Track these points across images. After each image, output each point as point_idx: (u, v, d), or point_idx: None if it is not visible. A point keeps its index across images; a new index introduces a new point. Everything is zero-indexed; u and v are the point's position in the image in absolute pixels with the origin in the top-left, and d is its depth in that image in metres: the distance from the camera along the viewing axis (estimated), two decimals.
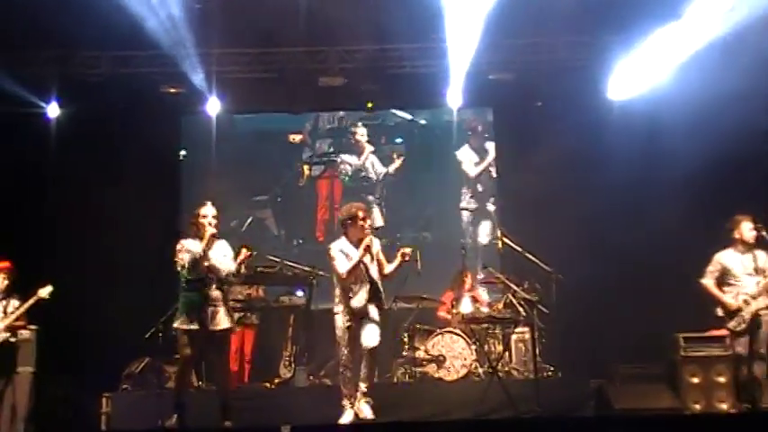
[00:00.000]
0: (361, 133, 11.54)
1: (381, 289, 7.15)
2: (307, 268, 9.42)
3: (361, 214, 7.10)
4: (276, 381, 9.28)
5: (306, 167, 11.62)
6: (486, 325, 9.29)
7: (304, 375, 9.25)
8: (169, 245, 7.43)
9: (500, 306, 9.42)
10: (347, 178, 11.59)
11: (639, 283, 9.93)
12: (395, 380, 9.26)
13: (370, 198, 11.40)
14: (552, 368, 9.29)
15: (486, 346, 9.17)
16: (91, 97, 10.31)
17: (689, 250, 8.45)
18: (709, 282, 7.77)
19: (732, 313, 7.60)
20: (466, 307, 9.36)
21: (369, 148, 11.56)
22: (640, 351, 9.25)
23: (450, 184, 11.47)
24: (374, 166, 11.51)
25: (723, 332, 7.96)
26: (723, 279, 7.73)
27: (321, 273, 9.10)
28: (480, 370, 9.00)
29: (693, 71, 9.65)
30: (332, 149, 11.70)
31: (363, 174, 11.52)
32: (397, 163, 11.45)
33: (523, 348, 9.42)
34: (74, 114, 10.40)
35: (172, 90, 10.61)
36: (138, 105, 10.58)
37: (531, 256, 9.14)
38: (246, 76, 10.75)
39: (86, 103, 10.30)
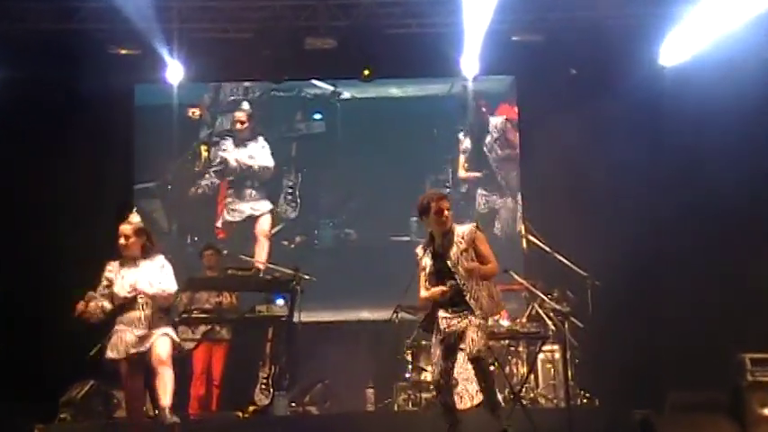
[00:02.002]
0: (241, 117, 11.61)
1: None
2: (289, 270, 9.44)
3: (432, 206, 7.01)
4: (251, 409, 9.24)
5: (203, 149, 11.61)
6: (506, 341, 9.22)
7: (284, 402, 9.25)
8: None
9: (524, 319, 9.40)
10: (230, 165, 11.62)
11: (697, 290, 9.90)
12: (396, 407, 9.33)
13: (250, 190, 11.54)
14: (588, 395, 9.30)
15: (507, 368, 9.17)
16: (23, 59, 10.19)
17: (760, 251, 8.55)
18: None
19: None
20: None
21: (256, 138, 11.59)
22: (696, 374, 9.21)
23: (385, 171, 11.39)
24: (254, 157, 11.56)
25: None
26: None
27: (306, 276, 9.18)
28: (500, 396, 8.64)
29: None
30: (225, 128, 11.71)
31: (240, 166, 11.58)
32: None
33: (553, 370, 9.43)
34: (2, 80, 10.25)
35: (124, 51, 10.52)
36: (82, 70, 10.47)
37: (562, 258, 9.15)
38: (216, 36, 10.70)
39: (18, 67, 10.17)
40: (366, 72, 11.04)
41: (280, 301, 9.53)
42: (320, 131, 11.74)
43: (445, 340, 6.94)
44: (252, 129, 11.63)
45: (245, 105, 11.64)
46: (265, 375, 9.31)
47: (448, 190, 11.42)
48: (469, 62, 10.76)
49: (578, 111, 10.30)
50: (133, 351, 7.13)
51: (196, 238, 11.33)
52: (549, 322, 8.95)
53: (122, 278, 7.24)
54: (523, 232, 9.56)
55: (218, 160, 11.58)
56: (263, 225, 11.43)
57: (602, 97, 10.32)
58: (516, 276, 8.96)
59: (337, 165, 11.57)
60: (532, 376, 9.24)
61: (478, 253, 6.93)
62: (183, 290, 8.73)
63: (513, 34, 10.63)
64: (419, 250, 7.10)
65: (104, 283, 7.28)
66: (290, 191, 11.57)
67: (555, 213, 10.23)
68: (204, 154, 11.59)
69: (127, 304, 7.18)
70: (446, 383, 6.99)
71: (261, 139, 11.62)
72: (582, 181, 10.33)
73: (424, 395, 9.12)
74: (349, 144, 11.60)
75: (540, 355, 9.30)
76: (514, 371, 9.32)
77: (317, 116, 11.76)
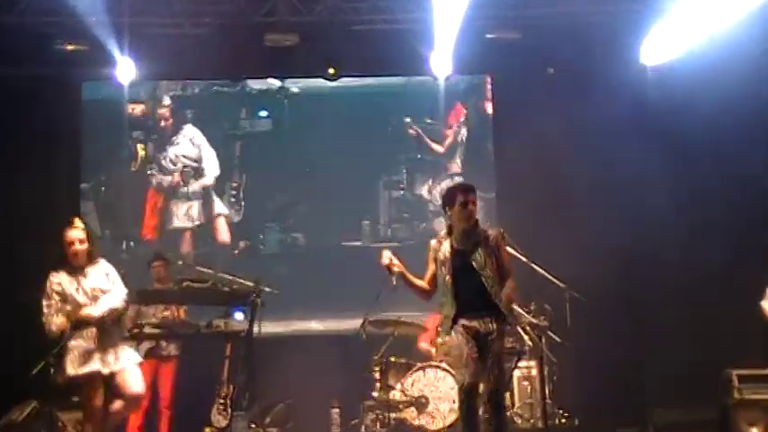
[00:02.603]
0: (164, 113, 11.45)
1: None
2: (249, 282, 9.28)
3: (459, 197, 6.99)
4: (207, 431, 9.20)
5: (140, 147, 11.47)
6: None
7: (244, 423, 9.12)
8: None
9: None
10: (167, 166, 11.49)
11: (682, 304, 9.99)
12: (363, 429, 9.28)
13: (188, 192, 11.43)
14: (566, 414, 9.29)
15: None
16: None
17: (748, 262, 8.62)
18: (766, 305, 7.96)
19: None
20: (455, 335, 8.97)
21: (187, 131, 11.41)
22: (682, 391, 9.30)
23: (336, 172, 11.34)
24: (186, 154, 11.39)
25: None
26: None
27: (267, 289, 9.05)
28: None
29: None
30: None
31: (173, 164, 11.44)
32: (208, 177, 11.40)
33: (529, 388, 9.43)
34: None
35: (70, 47, 10.38)
36: (25, 66, 10.37)
37: (539, 268, 9.13)
38: (170, 32, 10.55)
39: None
40: (331, 71, 10.99)
41: (239, 315, 9.34)
42: (266, 129, 11.64)
43: (475, 339, 6.80)
44: (174, 123, 11.49)
45: (166, 100, 11.49)
46: (223, 395, 9.24)
47: (402, 192, 11.49)
48: (441, 60, 10.70)
49: (556, 112, 10.32)
50: (105, 371, 7.15)
51: (131, 244, 11.24)
52: (526, 337, 8.92)
53: (77, 289, 7.19)
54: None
55: (157, 160, 11.47)
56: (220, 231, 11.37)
57: (582, 98, 10.36)
58: None
59: (284, 165, 11.46)
60: (508, 394, 9.18)
61: (499, 261, 6.93)
62: (134, 303, 8.61)
63: (487, 31, 10.58)
64: (434, 242, 7.10)
65: (56, 297, 7.18)
66: (234, 193, 11.45)
67: (532, 220, 10.17)
68: (141, 153, 11.45)
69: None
70: (475, 390, 6.79)
71: (188, 127, 11.47)
72: (561, 186, 10.35)
73: (393, 415, 9.08)
74: (297, 143, 11.48)
75: (517, 372, 9.31)
76: None
77: (263, 113, 11.67)
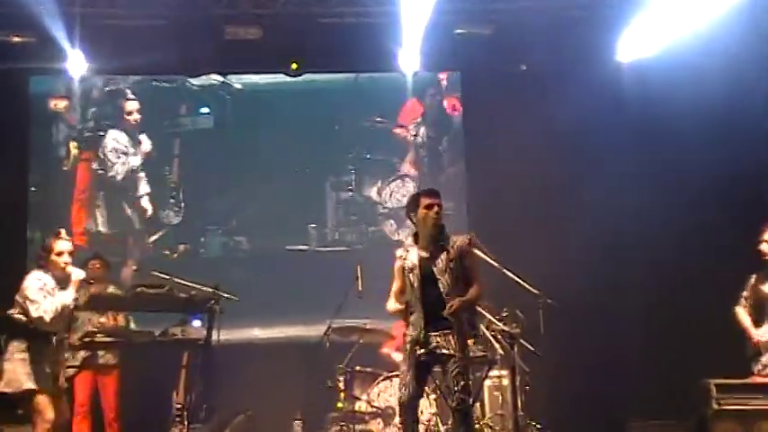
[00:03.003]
0: (132, 108, 11.33)
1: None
2: (207, 288, 9.05)
3: (422, 200, 7.06)
4: None
5: (73, 145, 11.31)
6: None
7: None
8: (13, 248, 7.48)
9: (469, 341, 8.95)
10: (111, 164, 11.34)
11: (659, 310, 10.05)
12: None
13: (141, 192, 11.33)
14: (539, 426, 9.18)
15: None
16: None
17: (727, 267, 8.64)
18: (740, 311, 8.06)
19: (755, 354, 7.95)
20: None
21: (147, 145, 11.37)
22: (659, 402, 9.36)
23: (281, 172, 11.38)
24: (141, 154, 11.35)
25: None
26: (761, 308, 8.00)
27: (226, 295, 8.90)
28: (442, 428, 8.88)
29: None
30: (100, 122, 11.44)
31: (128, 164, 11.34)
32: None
33: (500, 398, 9.39)
34: None
35: (16, 39, 10.32)
36: None
37: (511, 273, 8.91)
38: (124, 24, 10.47)
39: None
40: (293, 66, 10.97)
41: (196, 323, 9.15)
42: (207, 127, 11.55)
43: (420, 363, 6.89)
44: (140, 121, 11.39)
45: (131, 95, 11.38)
46: (179, 406, 9.01)
47: (351, 194, 11.45)
48: (409, 56, 10.72)
49: (530, 110, 10.40)
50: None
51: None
52: (497, 345, 8.75)
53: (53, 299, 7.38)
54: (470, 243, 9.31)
55: (101, 157, 11.32)
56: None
57: (556, 96, 10.36)
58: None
59: (226, 164, 11.40)
60: (478, 405, 9.10)
61: (465, 268, 6.96)
62: (84, 308, 8.51)
63: (457, 26, 10.61)
64: (401, 251, 7.13)
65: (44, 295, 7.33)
66: (173, 194, 11.35)
67: (504, 224, 10.23)
68: (74, 152, 11.27)
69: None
70: (413, 411, 6.93)
71: (144, 136, 11.41)
72: (534, 188, 10.38)
73: (359, 427, 9.04)
74: (240, 141, 11.43)
75: (487, 382, 9.22)
76: None
77: (204, 110, 11.58)
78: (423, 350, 6.90)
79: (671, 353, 9.68)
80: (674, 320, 9.90)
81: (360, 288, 8.86)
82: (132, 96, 11.34)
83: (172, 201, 11.31)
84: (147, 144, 11.32)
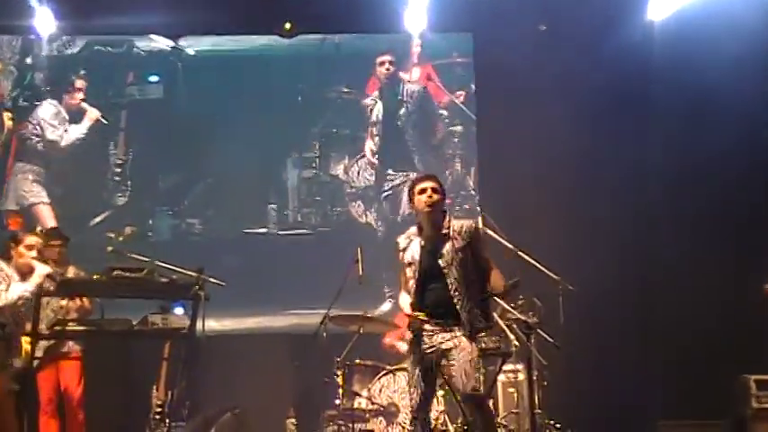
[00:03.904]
0: (82, 86, 11.15)
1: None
2: (191, 273, 8.93)
3: (416, 186, 7.07)
4: None
5: (7, 116, 11.16)
6: None
7: None
8: None
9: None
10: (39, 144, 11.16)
11: (693, 299, 9.93)
12: None
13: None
14: (558, 425, 9.17)
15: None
16: None
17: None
18: None
19: None
20: None
21: (93, 113, 11.19)
22: (691, 400, 9.30)
23: (238, 147, 11.28)
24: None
25: None
26: None
27: (212, 279, 8.85)
28: (451, 427, 8.80)
29: None
30: (37, 89, 11.25)
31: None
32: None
33: (516, 395, 9.34)
34: None
35: None
36: None
37: (527, 257, 8.99)
38: None
39: None
40: (287, 26, 10.94)
41: (179, 310, 9.15)
42: (157, 97, 11.41)
43: (425, 359, 6.90)
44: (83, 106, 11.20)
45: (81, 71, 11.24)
46: (159, 402, 9.14)
47: (314, 171, 11.38)
48: (416, 15, 10.73)
49: (549, 77, 10.36)
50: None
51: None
52: (512, 336, 8.75)
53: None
54: (480, 225, 9.01)
55: (34, 130, 11.14)
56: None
57: (578, 60, 10.40)
58: None
59: (178, 139, 11.30)
60: (491, 402, 8.84)
61: (477, 256, 6.92)
62: (54, 295, 8.41)
63: None
64: (402, 240, 7.11)
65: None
66: (119, 171, 11.22)
67: (518, 202, 10.25)
68: (8, 123, 11.10)
69: None
70: (425, 414, 6.98)
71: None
72: (554, 164, 10.34)
73: (358, 426, 8.99)
74: (193, 113, 11.31)
75: (501, 377, 9.18)
76: None
77: (154, 78, 11.44)
78: (427, 348, 6.90)
79: (705, 346, 9.63)
80: (710, 310, 9.83)
81: (360, 273, 8.76)
82: (83, 73, 11.21)
83: (117, 179, 11.20)
84: (93, 112, 11.16)
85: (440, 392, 8.69)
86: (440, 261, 6.87)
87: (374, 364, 9.26)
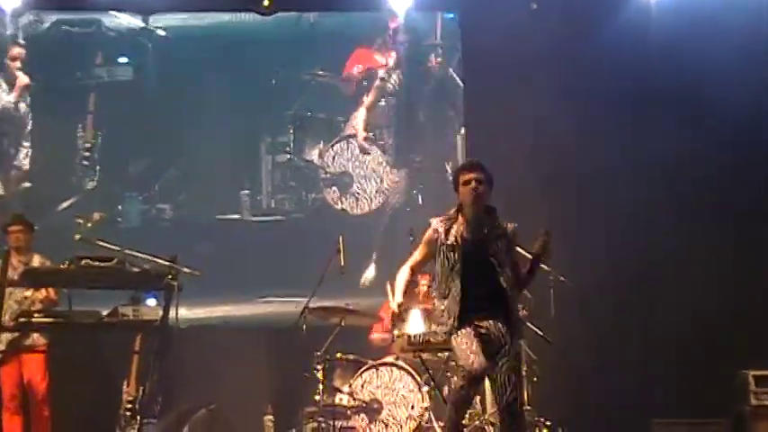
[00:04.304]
0: (17, 54, 11.00)
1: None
2: (164, 261, 8.88)
3: (460, 176, 7.02)
4: None
5: None
6: (445, 354, 8.87)
7: None
8: None
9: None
10: None
11: (691, 292, 9.91)
12: None
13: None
14: (549, 423, 9.14)
15: (445, 388, 8.97)
16: None
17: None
18: None
19: None
20: (415, 326, 8.97)
21: (23, 79, 11.04)
22: (688, 397, 9.35)
23: (210, 131, 11.31)
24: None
25: None
26: None
27: (186, 269, 8.79)
28: (437, 425, 8.79)
29: None
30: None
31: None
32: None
33: None
34: None
35: None
36: None
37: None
38: None
39: None
40: (266, 2, 10.79)
41: (151, 301, 9.01)
42: (126, 79, 11.40)
43: (484, 337, 6.79)
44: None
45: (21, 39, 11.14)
46: (130, 398, 8.98)
47: (289, 156, 11.40)
48: None
49: (541, 58, 10.30)
50: None
51: None
52: None
53: None
54: None
55: None
56: None
57: (572, 40, 10.36)
58: None
59: (148, 122, 11.28)
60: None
61: (514, 261, 6.98)
62: (18, 284, 8.37)
63: None
64: (437, 223, 7.04)
65: None
66: (87, 155, 11.16)
67: (508, 190, 9.61)
68: None
69: None
70: (479, 384, 6.95)
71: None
72: (545, 149, 10.32)
73: (339, 424, 8.99)
74: (164, 96, 11.36)
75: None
76: None
77: (123, 59, 11.45)
78: (483, 330, 6.81)
79: (703, 340, 9.66)
80: (707, 303, 9.83)
81: (342, 263, 8.80)
82: (21, 42, 11.06)
83: (85, 163, 11.13)
84: (23, 79, 11.00)
85: (425, 388, 8.84)
86: (491, 258, 6.85)
87: (356, 358, 9.22)
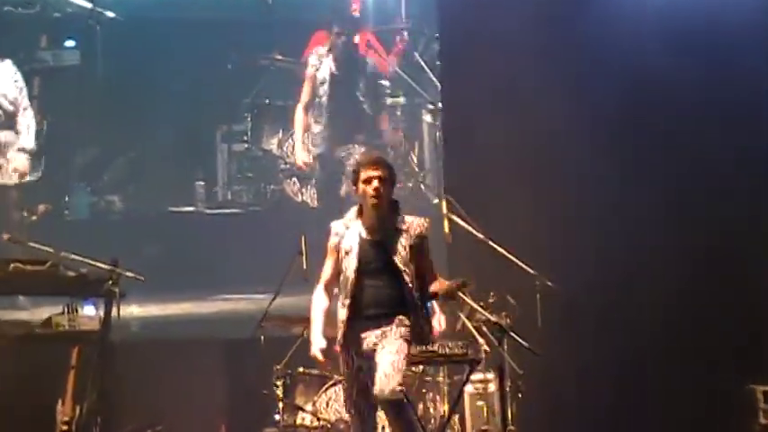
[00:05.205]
0: None
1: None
2: (104, 265, 8.84)
3: (361, 172, 6.92)
4: None
5: None
6: (420, 368, 9.04)
7: None
8: None
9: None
10: None
11: (688, 299, 9.91)
12: None
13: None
14: None
15: (420, 405, 9.05)
16: None
17: None
18: None
19: None
20: None
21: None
22: (690, 413, 9.32)
23: (162, 119, 11.49)
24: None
25: None
26: None
27: (129, 274, 8.74)
28: None
29: None
30: None
31: None
32: None
33: (486, 409, 9.19)
34: None
35: None
36: None
37: (500, 248, 8.95)
38: None
39: None
40: None
41: (89, 309, 9.01)
42: (73, 63, 11.55)
43: (361, 378, 6.82)
44: None
45: None
46: (66, 419, 8.76)
47: (246, 146, 11.57)
48: None
49: (527, 38, 10.19)
50: None
51: None
52: (482, 340, 8.55)
53: None
54: (444, 211, 9.15)
55: None
56: None
57: (563, 19, 10.29)
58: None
59: (96, 109, 11.39)
60: (457, 417, 9.06)
61: (422, 259, 6.84)
62: None
63: None
64: (338, 226, 6.98)
65: None
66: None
67: (489, 183, 10.16)
68: None
69: None
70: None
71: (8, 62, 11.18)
72: (528, 141, 10.25)
73: None
74: (113, 81, 11.43)
75: (469, 387, 9.10)
76: (431, 410, 9.20)
77: (70, 43, 11.60)
78: (357, 356, 6.83)
79: (705, 351, 9.64)
80: (709, 312, 9.86)
81: (305, 266, 8.64)
82: None
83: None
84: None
85: None
86: (394, 258, 6.79)
87: (320, 373, 9.01)
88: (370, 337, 6.81)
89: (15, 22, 11.30)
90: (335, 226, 7.01)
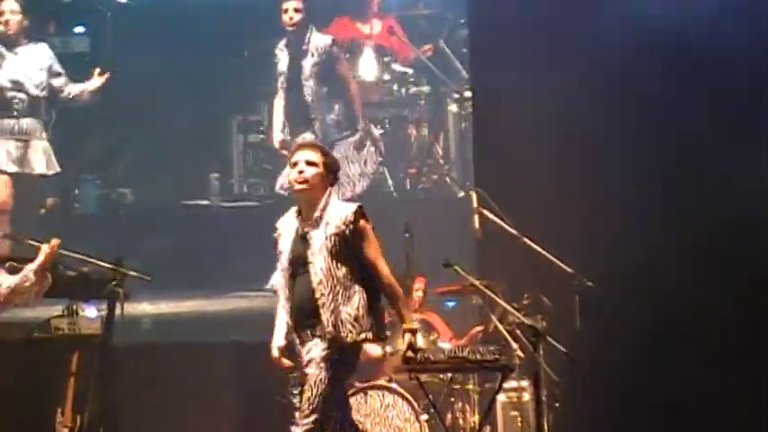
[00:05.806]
0: (12, 9, 11.13)
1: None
2: (107, 264, 8.75)
3: (291, 158, 6.83)
4: None
5: None
6: (448, 375, 9.04)
7: None
8: None
9: (475, 339, 9.52)
10: None
11: (747, 299, 9.68)
12: None
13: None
14: None
15: (448, 416, 9.04)
16: None
17: None
18: None
19: None
20: None
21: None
22: (741, 424, 9.21)
23: (175, 109, 11.51)
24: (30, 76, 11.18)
25: None
26: None
27: (133, 273, 8.66)
28: None
29: None
30: None
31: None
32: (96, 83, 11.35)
33: (520, 420, 9.23)
34: None
35: None
36: None
37: (535, 246, 8.69)
38: None
39: None
40: None
41: (91, 312, 9.02)
42: (82, 50, 11.79)
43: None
44: (24, 29, 11.08)
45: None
46: (65, 429, 8.70)
47: (262, 136, 11.65)
48: None
49: (559, 23, 10.19)
50: None
51: None
52: (515, 345, 8.47)
53: None
54: (475, 205, 8.93)
55: None
56: None
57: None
58: (462, 272, 8.58)
59: (107, 99, 11.32)
60: (488, 429, 8.99)
61: (356, 251, 6.64)
62: None
63: None
64: (279, 224, 6.93)
65: None
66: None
67: (525, 178, 10.08)
68: None
69: None
70: None
71: (44, 46, 11.15)
72: (565, 132, 10.15)
73: None
74: (123, 69, 11.31)
75: (501, 397, 9.01)
76: (460, 420, 9.18)
77: (79, 29, 11.85)
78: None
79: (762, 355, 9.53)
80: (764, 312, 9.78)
81: None
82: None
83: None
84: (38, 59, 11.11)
85: (423, 416, 8.66)
86: (308, 252, 6.68)
87: None
88: (302, 353, 6.70)
89: (24, 7, 11.20)
90: (279, 222, 6.94)
